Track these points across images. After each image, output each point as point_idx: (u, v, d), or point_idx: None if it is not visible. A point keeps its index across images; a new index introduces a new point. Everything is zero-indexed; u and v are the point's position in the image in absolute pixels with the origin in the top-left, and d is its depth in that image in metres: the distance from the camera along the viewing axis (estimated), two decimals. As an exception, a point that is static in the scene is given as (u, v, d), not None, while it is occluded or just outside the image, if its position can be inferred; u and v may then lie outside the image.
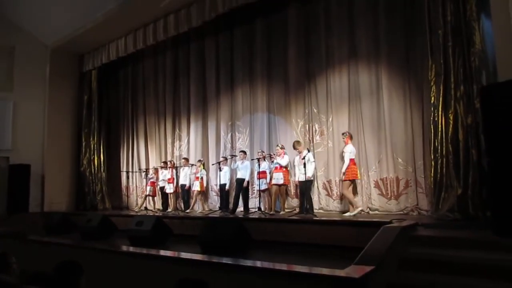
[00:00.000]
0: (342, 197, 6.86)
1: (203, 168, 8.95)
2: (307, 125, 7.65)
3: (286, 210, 7.41)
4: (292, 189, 7.73)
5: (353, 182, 6.50)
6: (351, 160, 6.37)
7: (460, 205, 5.01)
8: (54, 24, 10.46)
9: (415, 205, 6.27)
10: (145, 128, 11.03)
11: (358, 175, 6.52)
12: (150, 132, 10.87)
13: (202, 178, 8.79)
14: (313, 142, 7.45)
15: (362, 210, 6.52)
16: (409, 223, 4.57)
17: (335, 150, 7.23)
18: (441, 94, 5.31)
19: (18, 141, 10.91)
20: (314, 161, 6.92)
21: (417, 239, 4.08)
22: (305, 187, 6.75)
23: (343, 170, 6.40)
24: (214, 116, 9.31)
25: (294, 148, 7.07)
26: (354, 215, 6.20)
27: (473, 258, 3.48)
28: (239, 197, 7.89)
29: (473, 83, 5.02)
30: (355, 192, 6.70)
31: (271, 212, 7.11)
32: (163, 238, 6.04)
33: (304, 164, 6.58)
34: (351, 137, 6.63)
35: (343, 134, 6.68)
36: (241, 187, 7.84)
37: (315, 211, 6.79)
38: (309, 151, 6.94)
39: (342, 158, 6.62)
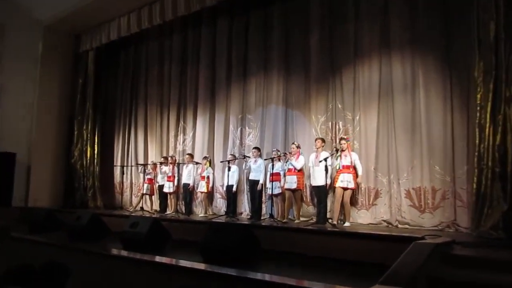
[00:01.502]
0: (340, 207, 6.85)
1: (210, 165, 9.01)
2: (330, 123, 7.64)
3: (302, 219, 7.43)
4: (307, 195, 7.74)
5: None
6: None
7: (506, 222, 4.91)
8: (49, -2, 10.57)
9: (452, 221, 6.20)
10: (145, 119, 11.08)
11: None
12: (151, 123, 10.90)
13: (208, 177, 8.86)
14: (335, 142, 7.41)
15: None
16: (444, 240, 4.52)
17: (362, 152, 7.20)
18: (490, 94, 5.21)
19: (3, 126, 10.94)
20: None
21: (453, 259, 4.02)
22: (322, 193, 6.86)
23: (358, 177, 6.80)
24: (223, 108, 9.35)
25: (319, 146, 7.13)
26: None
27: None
28: (256, 200, 7.94)
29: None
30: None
31: (284, 220, 7.19)
32: (161, 243, 6.04)
33: (326, 167, 6.60)
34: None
35: (342, 139, 6.88)
36: (255, 191, 7.87)
37: (333, 221, 6.78)
38: (336, 151, 6.89)
39: (351, 165, 6.75)
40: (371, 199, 7.07)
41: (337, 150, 6.88)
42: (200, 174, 9.04)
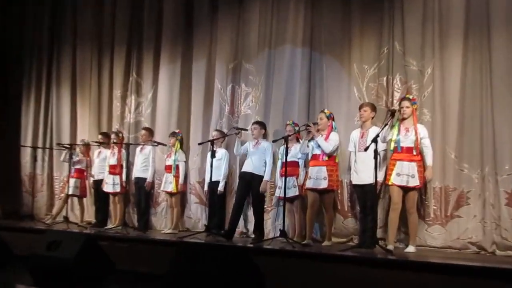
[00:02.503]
0: (398, 220, 6.79)
1: (180, 148, 9.07)
2: (383, 78, 7.67)
3: (335, 240, 7.48)
4: (345, 199, 7.75)
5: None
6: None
7: None
8: None
9: None
10: (73, 71, 11.23)
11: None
12: (82, 77, 11.07)
13: (177, 167, 8.95)
14: (392, 105, 7.43)
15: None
16: None
17: (435, 127, 7.19)
18: None
19: None
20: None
21: None
22: (370, 196, 6.83)
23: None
24: (205, 52, 9.46)
25: (366, 118, 7.13)
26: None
27: None
28: (242, 208, 8.04)
29: None
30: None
31: (305, 242, 7.18)
32: (97, 277, 6.03)
33: (376, 153, 6.43)
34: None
35: (405, 100, 6.87)
36: (256, 192, 7.90)
37: (388, 243, 6.71)
38: (392, 115, 6.71)
39: (416, 147, 6.74)
40: (450, 208, 7.06)
41: (392, 114, 6.72)
42: (165, 162, 9.06)
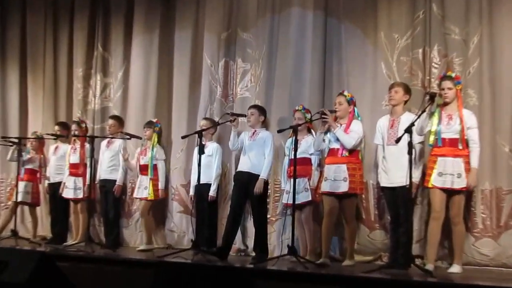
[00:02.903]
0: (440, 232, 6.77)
1: (158, 142, 9.06)
2: (419, 50, 7.64)
3: (358, 258, 7.47)
4: (371, 206, 7.73)
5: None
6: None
7: None
8: None
9: None
10: (22, 43, 11.28)
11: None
12: (33, 52, 11.13)
13: (155, 167, 8.92)
14: (428, 87, 7.44)
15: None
16: None
17: (484, 113, 7.14)
18: None
19: None
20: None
21: None
22: (403, 202, 6.77)
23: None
24: (190, 19, 9.54)
25: (397, 101, 7.09)
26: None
27: None
28: (240, 218, 8.04)
29: None
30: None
31: (321, 261, 7.13)
32: None
33: (410, 146, 6.33)
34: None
35: (446, 78, 6.77)
36: (255, 197, 7.84)
37: (426, 262, 6.63)
38: (431, 99, 6.63)
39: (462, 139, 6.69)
40: (504, 216, 7.05)
41: (431, 98, 6.61)
42: (138, 160, 9.08)
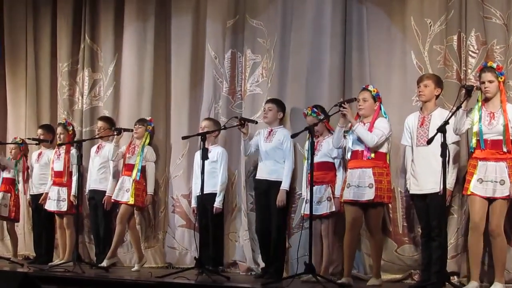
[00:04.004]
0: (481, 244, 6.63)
1: (148, 141, 8.96)
2: (453, 37, 7.43)
3: (385, 276, 7.37)
4: (399, 217, 7.54)
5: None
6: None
7: None
8: None
9: None
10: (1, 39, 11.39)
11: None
12: (13, 45, 11.31)
13: (143, 169, 8.85)
14: (465, 79, 7.27)
15: None
16: None
17: None
18: None
19: None
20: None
21: None
22: (437, 211, 6.68)
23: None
24: (190, 4, 9.50)
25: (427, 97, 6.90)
26: None
27: None
28: (273, 234, 7.93)
29: None
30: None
31: (343, 280, 7.02)
32: None
33: (444, 148, 6.12)
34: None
35: (486, 70, 6.56)
36: (272, 208, 7.85)
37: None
38: (468, 93, 6.47)
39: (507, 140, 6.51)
40: None
41: (468, 93, 6.40)
42: (124, 157, 8.98)
